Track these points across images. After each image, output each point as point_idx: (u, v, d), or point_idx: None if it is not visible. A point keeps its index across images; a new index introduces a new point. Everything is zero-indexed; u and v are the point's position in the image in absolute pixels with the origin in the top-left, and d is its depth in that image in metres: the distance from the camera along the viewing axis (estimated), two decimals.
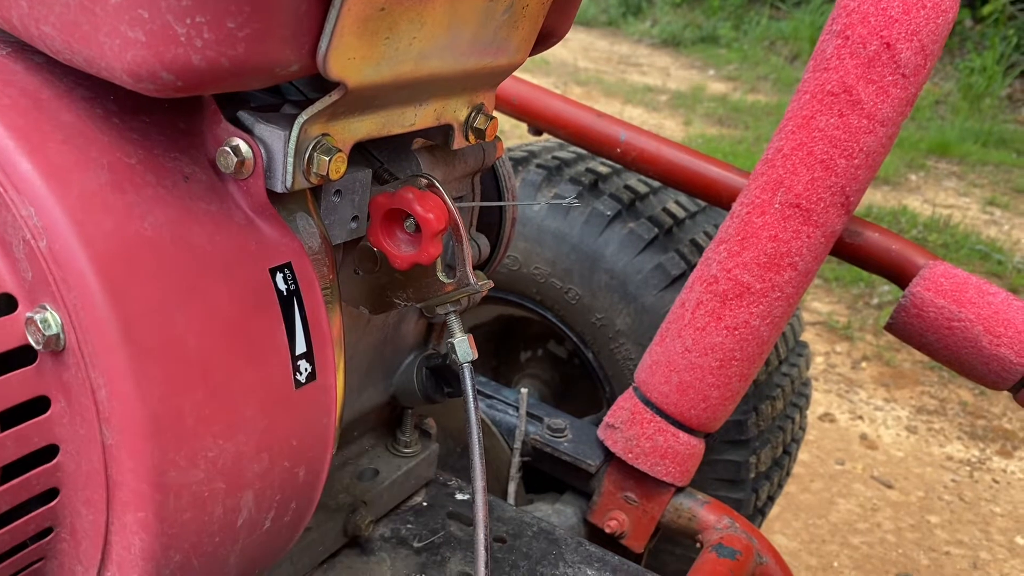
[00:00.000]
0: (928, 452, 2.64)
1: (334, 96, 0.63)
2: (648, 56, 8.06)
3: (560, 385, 1.67)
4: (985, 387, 1.16)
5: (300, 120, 0.63)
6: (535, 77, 6.27)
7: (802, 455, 2.53)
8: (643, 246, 1.40)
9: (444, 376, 1.00)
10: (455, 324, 0.81)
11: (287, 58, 0.58)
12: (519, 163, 1.55)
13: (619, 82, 6.85)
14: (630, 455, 1.20)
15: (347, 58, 0.60)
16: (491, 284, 0.81)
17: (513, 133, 4.11)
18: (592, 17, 9.17)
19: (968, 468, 2.58)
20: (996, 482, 2.53)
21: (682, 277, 1.38)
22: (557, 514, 1.26)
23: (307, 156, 0.64)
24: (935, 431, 2.74)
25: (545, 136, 1.58)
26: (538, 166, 1.53)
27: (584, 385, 1.60)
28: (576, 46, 7.94)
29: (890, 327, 1.20)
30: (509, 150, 1.61)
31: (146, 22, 0.52)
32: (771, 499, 1.56)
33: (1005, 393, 1.10)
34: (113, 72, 0.55)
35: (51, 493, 0.61)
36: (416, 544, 1.01)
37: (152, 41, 0.53)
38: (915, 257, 1.21)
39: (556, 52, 7.39)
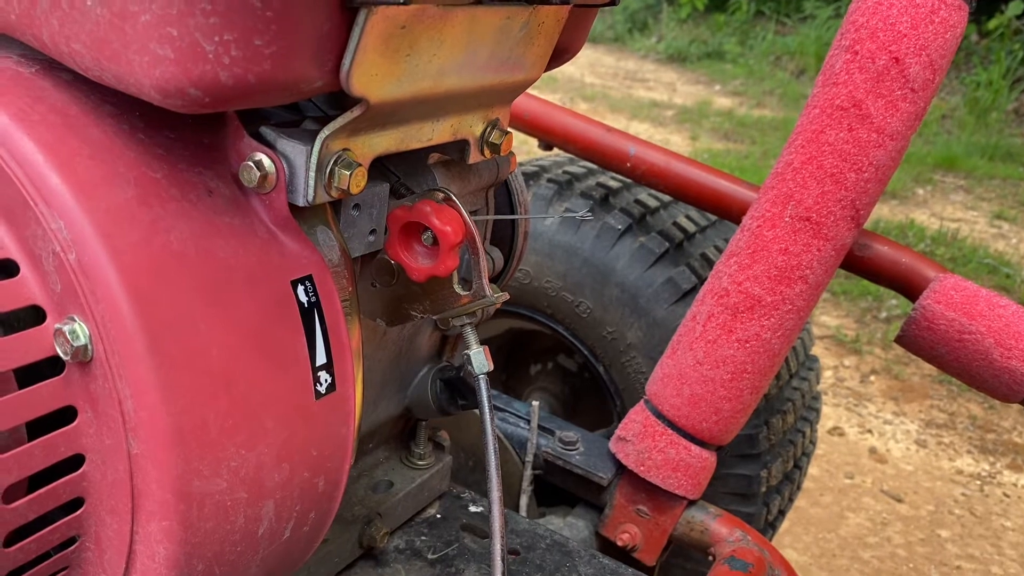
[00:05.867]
0: (938, 466, 2.63)
1: (356, 112, 0.64)
2: (654, 72, 8.09)
3: (570, 399, 1.68)
4: (996, 400, 1.16)
5: (322, 135, 0.64)
6: (542, 93, 6.29)
7: (812, 469, 2.52)
8: (654, 260, 1.41)
9: (458, 388, 1.01)
10: (471, 336, 0.82)
11: (311, 75, 0.59)
12: (530, 178, 1.57)
13: (625, 97, 6.89)
14: (642, 468, 1.20)
15: (369, 75, 0.61)
16: (506, 296, 0.82)
17: (522, 148, 4.14)
18: (598, 33, 9.23)
19: (978, 482, 2.57)
20: (1007, 496, 2.53)
21: (693, 291, 1.39)
22: (569, 527, 1.26)
23: (328, 170, 0.65)
24: (945, 445, 2.74)
25: (555, 151, 1.59)
26: (549, 180, 1.54)
27: (594, 399, 1.60)
28: (583, 62, 7.98)
29: (900, 340, 1.21)
30: (520, 164, 1.62)
31: (175, 40, 0.53)
32: (782, 513, 1.56)
33: (1015, 407, 1.11)
34: (142, 88, 0.56)
35: (76, 502, 0.61)
36: (430, 556, 1.02)
37: (181, 58, 0.54)
38: (925, 270, 1.22)
39: (563, 68, 7.42)
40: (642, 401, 1.25)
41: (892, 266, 1.24)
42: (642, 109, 6.50)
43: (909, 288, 1.23)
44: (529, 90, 1.37)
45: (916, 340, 1.18)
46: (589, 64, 8.02)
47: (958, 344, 1.14)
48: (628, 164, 1.45)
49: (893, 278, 1.25)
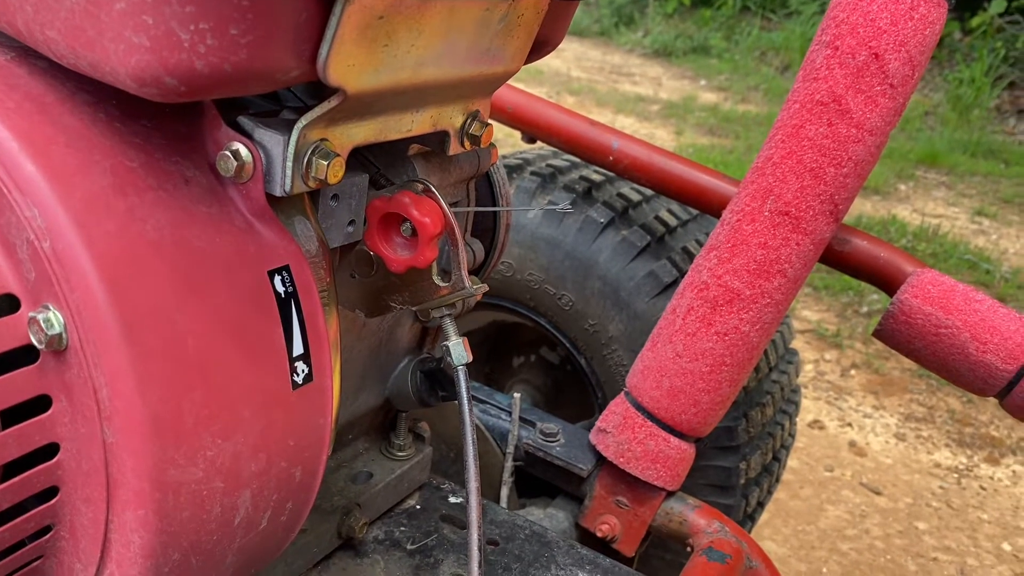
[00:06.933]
0: (916, 459, 2.66)
1: (333, 102, 0.64)
2: (640, 66, 8.10)
3: (552, 391, 1.68)
4: (972, 393, 1.18)
5: (299, 125, 0.64)
6: (528, 86, 6.29)
7: (791, 462, 2.54)
8: (635, 253, 1.42)
9: (438, 380, 1.01)
10: (450, 327, 0.82)
11: (288, 64, 0.59)
12: (513, 170, 1.57)
13: (611, 92, 6.89)
14: (621, 459, 1.21)
15: (347, 65, 0.61)
16: (486, 288, 0.82)
17: (507, 141, 4.13)
18: (585, 27, 9.22)
19: (956, 475, 2.60)
20: (983, 489, 2.55)
21: (674, 284, 1.40)
22: (549, 518, 1.26)
23: (306, 160, 0.65)
24: (923, 438, 2.76)
25: (539, 144, 1.59)
26: (532, 173, 1.54)
27: (576, 391, 1.61)
28: (569, 56, 7.98)
29: (878, 334, 1.22)
30: (503, 157, 1.62)
31: (150, 28, 0.53)
32: (761, 505, 1.58)
33: (992, 401, 1.12)
34: (117, 77, 0.56)
35: (51, 491, 0.61)
36: (409, 546, 1.02)
37: (156, 47, 0.54)
38: (903, 264, 1.23)
39: (549, 62, 7.43)
40: (622, 393, 1.25)
41: (871, 261, 1.25)
42: (628, 103, 6.51)
43: (887, 283, 1.24)
44: (514, 83, 1.38)
45: (894, 334, 1.19)
46: (575, 58, 8.01)
47: (935, 338, 1.15)
48: (611, 158, 1.45)
49: (872, 273, 1.26)
